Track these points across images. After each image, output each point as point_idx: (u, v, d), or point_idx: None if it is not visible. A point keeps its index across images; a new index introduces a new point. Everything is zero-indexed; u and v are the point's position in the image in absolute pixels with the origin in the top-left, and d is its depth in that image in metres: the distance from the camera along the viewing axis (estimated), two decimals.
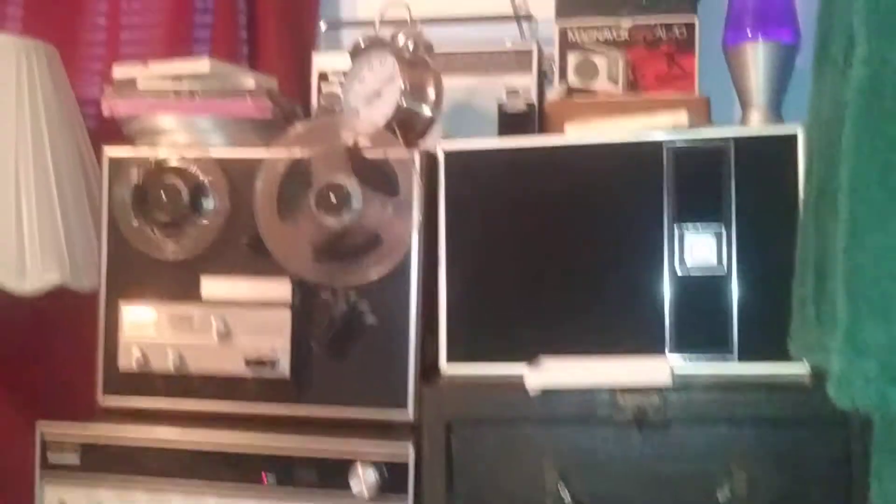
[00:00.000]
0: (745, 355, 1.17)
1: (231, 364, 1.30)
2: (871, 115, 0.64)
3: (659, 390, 1.09)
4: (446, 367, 1.27)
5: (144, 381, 1.34)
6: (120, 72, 1.50)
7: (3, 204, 1.46)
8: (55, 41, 1.61)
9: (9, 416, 1.68)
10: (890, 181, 0.63)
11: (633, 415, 1.09)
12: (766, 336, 1.13)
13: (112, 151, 1.39)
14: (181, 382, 1.32)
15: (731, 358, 1.17)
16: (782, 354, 1.08)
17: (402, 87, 1.34)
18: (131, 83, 1.48)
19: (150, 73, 1.48)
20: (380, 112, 1.36)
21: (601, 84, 1.51)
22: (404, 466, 1.18)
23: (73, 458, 1.29)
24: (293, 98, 1.58)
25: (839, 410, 0.69)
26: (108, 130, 1.58)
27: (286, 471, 1.22)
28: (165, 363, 1.32)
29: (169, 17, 1.82)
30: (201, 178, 1.33)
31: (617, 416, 1.10)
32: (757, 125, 1.44)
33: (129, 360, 1.34)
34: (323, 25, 1.70)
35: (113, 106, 1.47)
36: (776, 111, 1.46)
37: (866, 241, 0.64)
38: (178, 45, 1.80)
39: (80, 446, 1.29)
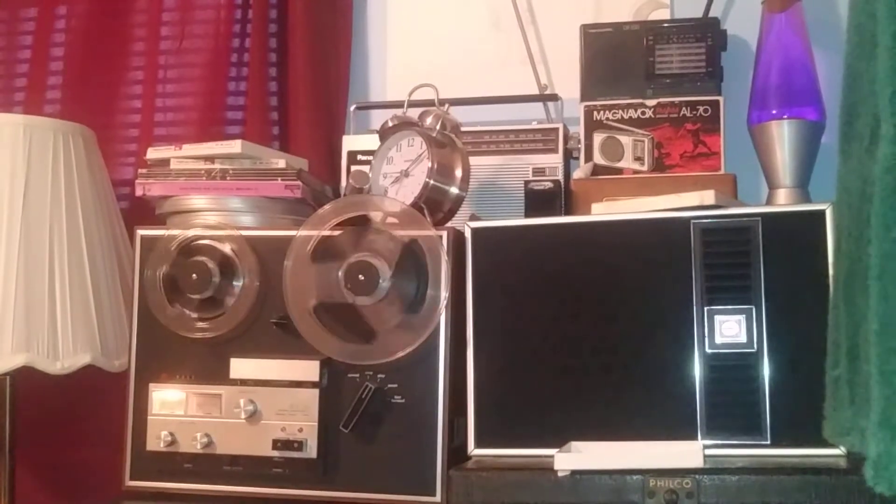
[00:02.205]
0: (777, 440, 1.15)
1: (259, 445, 1.30)
2: None
3: (691, 474, 1.07)
4: (475, 451, 1.25)
5: (171, 463, 1.33)
6: (153, 153, 1.53)
7: (37, 283, 1.48)
8: (92, 123, 1.65)
9: (37, 498, 1.68)
10: None
11: (665, 499, 1.07)
12: (799, 419, 1.11)
13: (144, 231, 1.41)
14: (208, 463, 1.32)
15: (763, 443, 1.15)
16: (816, 438, 1.06)
17: (430, 166, 1.36)
18: (164, 164, 1.51)
19: (183, 155, 1.51)
20: (408, 191, 1.37)
21: (627, 163, 1.52)
22: None
23: None
24: (323, 178, 1.61)
25: (876, 495, 0.67)
26: (141, 211, 1.61)
27: None
28: (193, 444, 1.32)
29: (202, 100, 1.86)
30: (231, 256, 1.35)
31: (648, 499, 1.08)
32: (784, 203, 1.44)
33: (156, 440, 1.34)
34: (352, 107, 1.73)
35: (146, 187, 1.50)
36: (803, 188, 1.46)
37: None
38: (212, 127, 1.84)
39: None
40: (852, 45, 0.79)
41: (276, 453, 1.29)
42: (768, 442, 1.16)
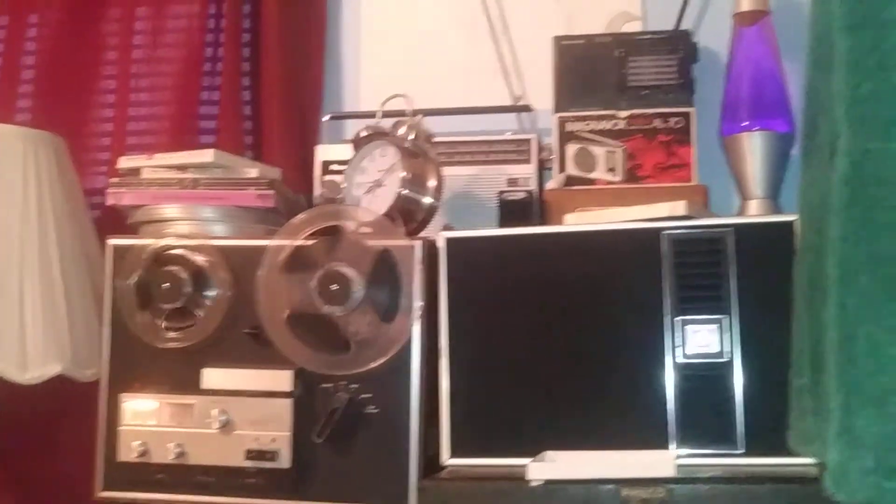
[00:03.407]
0: (750, 449, 1.16)
1: (232, 456, 1.29)
2: (856, 206, 0.65)
3: (664, 483, 1.08)
4: (449, 461, 1.25)
5: (143, 473, 1.32)
6: (125, 162, 1.52)
7: (6, 292, 1.46)
8: (63, 132, 1.64)
9: None
10: (878, 271, 0.64)
11: None
12: (772, 429, 1.12)
13: (116, 241, 1.40)
14: (181, 474, 1.31)
15: (736, 452, 1.16)
16: (788, 447, 1.06)
17: (403, 176, 1.36)
18: (136, 173, 1.50)
19: (155, 164, 1.50)
20: (381, 201, 1.37)
21: (600, 173, 1.53)
22: None
23: None
24: (297, 188, 1.61)
25: None
26: (113, 220, 1.60)
27: None
28: (165, 454, 1.31)
29: (175, 109, 1.85)
30: (204, 266, 1.34)
31: None
32: (755, 213, 1.45)
33: (129, 450, 1.32)
34: (326, 117, 1.73)
35: (118, 196, 1.49)
36: (774, 199, 1.47)
37: (857, 332, 0.64)
38: (184, 136, 1.83)
39: None
40: (812, 59, 0.80)
41: (249, 463, 1.28)
42: (741, 451, 1.16)
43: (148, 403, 1.34)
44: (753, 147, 1.47)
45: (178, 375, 1.33)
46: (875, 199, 0.64)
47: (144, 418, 1.33)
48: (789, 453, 1.08)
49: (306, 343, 1.28)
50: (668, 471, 1.09)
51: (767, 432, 1.14)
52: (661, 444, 1.18)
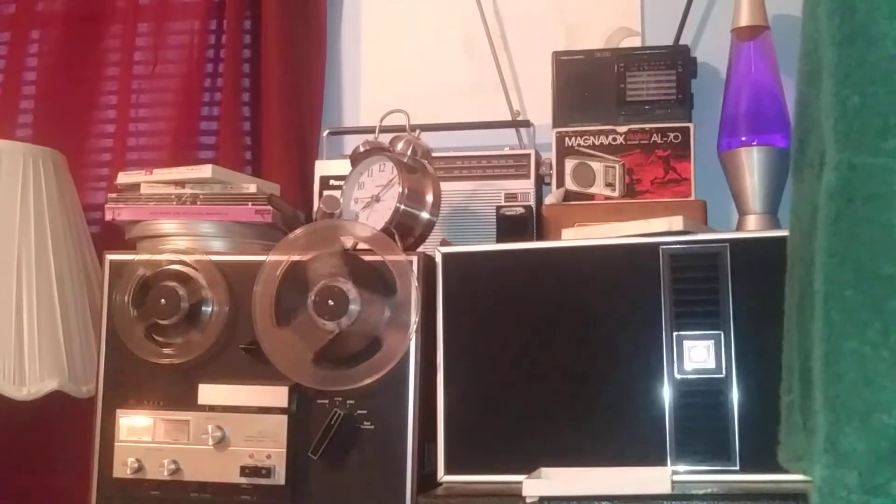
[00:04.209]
0: (746, 465, 1.15)
1: (227, 472, 1.28)
2: (843, 221, 0.65)
3: (660, 500, 1.07)
4: (445, 477, 1.25)
5: (138, 490, 1.32)
6: (124, 178, 1.52)
7: (3, 307, 1.47)
8: (64, 148, 1.65)
9: None
10: (864, 286, 0.63)
11: None
12: (768, 445, 1.10)
13: (113, 256, 1.40)
14: (176, 490, 1.30)
15: (732, 469, 1.15)
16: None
17: (401, 191, 1.36)
18: (135, 189, 1.50)
19: (153, 179, 1.50)
20: (379, 216, 1.37)
21: (598, 188, 1.53)
22: None
23: None
24: (295, 204, 1.61)
25: None
26: (112, 235, 1.60)
27: None
28: (160, 470, 1.30)
29: (175, 125, 1.86)
30: (201, 282, 1.34)
31: None
32: (753, 229, 1.45)
33: (123, 466, 1.32)
34: (325, 133, 1.73)
35: (116, 211, 1.49)
36: (773, 214, 1.47)
37: (843, 348, 0.64)
38: (184, 152, 1.83)
39: None
40: (803, 73, 0.80)
41: (244, 480, 1.28)
42: (737, 467, 1.16)
43: (143, 419, 1.33)
44: (752, 162, 1.46)
45: (174, 391, 1.33)
46: (861, 215, 0.64)
47: (140, 434, 1.33)
48: (786, 470, 1.07)
49: (303, 359, 1.27)
50: (664, 487, 1.08)
51: (764, 449, 1.12)
52: (658, 460, 1.17)
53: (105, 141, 1.91)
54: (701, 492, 1.09)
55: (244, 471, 1.27)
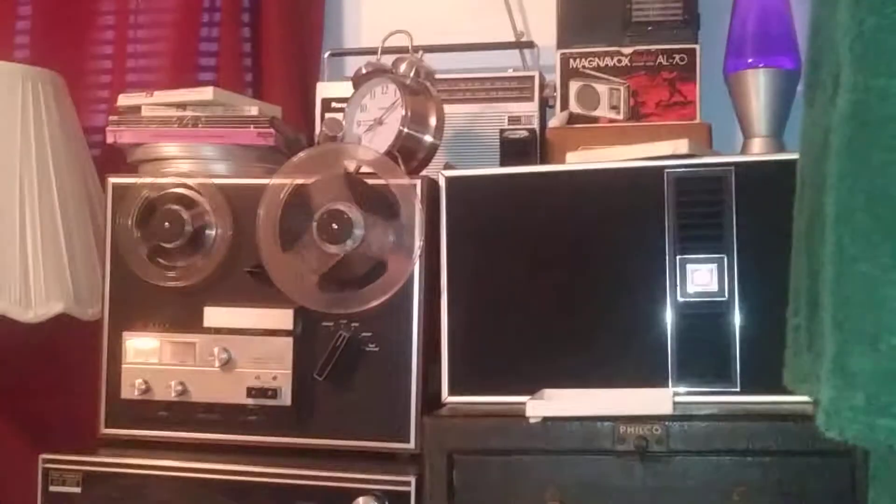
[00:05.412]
0: (747, 387, 1.16)
1: (233, 393, 1.30)
2: (856, 144, 0.64)
3: (661, 420, 1.09)
4: (449, 398, 1.26)
5: (146, 410, 1.34)
6: (124, 100, 1.51)
7: (7, 231, 1.47)
8: (61, 70, 1.62)
9: (12, 446, 1.68)
10: (876, 209, 0.63)
11: (634, 445, 1.09)
12: (770, 367, 1.12)
13: (116, 179, 1.40)
14: (183, 411, 1.32)
15: (733, 390, 1.17)
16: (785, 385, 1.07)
17: (404, 114, 1.35)
18: (135, 111, 1.49)
19: (154, 102, 1.49)
20: (382, 139, 1.36)
21: (602, 111, 1.51)
22: (407, 496, 1.18)
23: (74, 488, 1.29)
24: (297, 126, 1.59)
25: (843, 441, 0.68)
26: (113, 158, 1.59)
27: (288, 501, 1.22)
28: (168, 392, 1.32)
29: (174, 45, 1.84)
30: (204, 205, 1.34)
31: (619, 446, 1.10)
32: (758, 152, 1.44)
33: (131, 388, 1.34)
34: (327, 54, 1.71)
35: (117, 134, 1.48)
36: (778, 138, 1.46)
37: (853, 270, 0.64)
38: (184, 74, 1.81)
39: (82, 476, 1.29)
40: None
41: (250, 401, 1.30)
42: (738, 389, 1.17)
43: (150, 342, 1.35)
44: (758, 84, 1.45)
45: (180, 314, 1.34)
46: (876, 137, 0.63)
47: (146, 356, 1.34)
48: (785, 392, 1.08)
49: (308, 282, 1.28)
50: (665, 408, 1.10)
51: (764, 371, 1.14)
52: (661, 382, 1.19)
53: (104, 63, 1.89)
54: (702, 412, 1.11)
55: (251, 392, 1.29)
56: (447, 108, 1.43)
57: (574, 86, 1.53)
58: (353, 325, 1.28)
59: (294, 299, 1.28)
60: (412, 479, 1.18)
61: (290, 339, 1.29)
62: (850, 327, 0.64)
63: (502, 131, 1.48)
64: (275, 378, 1.29)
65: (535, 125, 1.51)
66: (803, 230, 0.82)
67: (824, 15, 0.75)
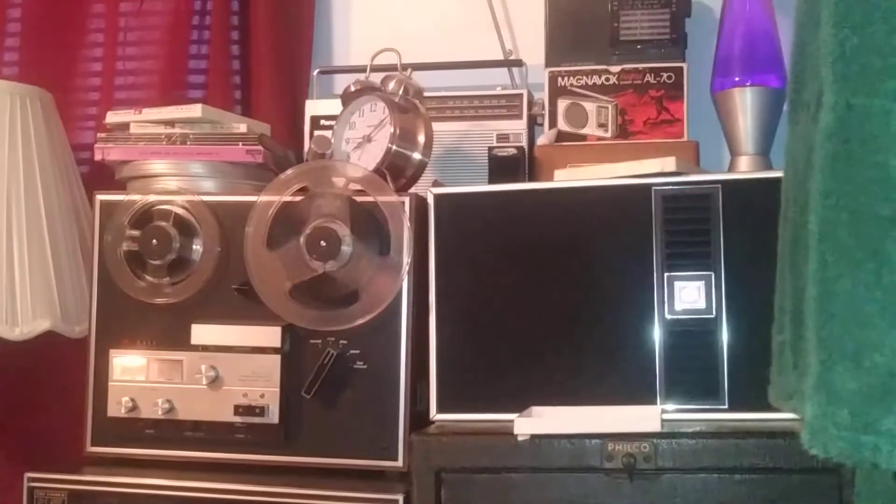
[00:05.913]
0: (735, 404, 1.16)
1: (220, 411, 1.30)
2: (839, 162, 0.65)
3: (649, 438, 1.09)
4: (437, 416, 1.26)
5: (133, 428, 1.33)
6: (113, 117, 1.51)
7: None
8: (50, 86, 1.62)
9: None
10: (858, 227, 0.63)
11: (623, 462, 1.08)
12: (757, 384, 1.12)
13: (104, 196, 1.39)
14: (170, 429, 1.32)
15: (721, 407, 1.17)
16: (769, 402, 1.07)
17: (393, 131, 1.35)
18: (124, 128, 1.49)
19: (143, 119, 1.49)
20: (370, 157, 1.37)
21: (591, 129, 1.52)
22: None
23: None
24: (286, 144, 1.59)
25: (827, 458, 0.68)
26: (101, 175, 1.59)
27: None
28: (154, 409, 1.31)
29: (163, 63, 1.84)
30: (192, 222, 1.34)
31: (607, 463, 1.09)
32: (745, 170, 1.45)
33: (118, 406, 1.33)
34: (315, 72, 1.71)
35: (105, 151, 1.48)
36: (765, 156, 1.47)
37: (836, 288, 0.64)
38: (172, 91, 1.81)
39: (68, 495, 1.28)
40: (801, 12, 0.79)
41: (237, 419, 1.29)
42: (726, 406, 1.17)
43: (137, 359, 1.34)
44: (745, 103, 1.46)
45: (167, 331, 1.34)
46: (858, 156, 0.64)
47: (133, 374, 1.34)
48: (774, 409, 1.08)
49: (296, 300, 1.27)
50: (653, 426, 1.10)
51: (752, 388, 1.13)
52: (648, 399, 1.19)
53: (92, 80, 1.89)
54: (690, 430, 1.11)
55: (238, 409, 1.29)
56: (436, 126, 1.43)
57: (562, 104, 1.53)
58: (341, 342, 1.27)
59: (270, 307, 1.27)
60: (400, 498, 1.17)
61: (277, 357, 1.28)
62: (833, 344, 0.64)
63: (491, 149, 1.49)
64: (262, 396, 1.28)
65: (524, 143, 1.52)
66: (787, 248, 0.82)
67: (807, 34, 0.76)
